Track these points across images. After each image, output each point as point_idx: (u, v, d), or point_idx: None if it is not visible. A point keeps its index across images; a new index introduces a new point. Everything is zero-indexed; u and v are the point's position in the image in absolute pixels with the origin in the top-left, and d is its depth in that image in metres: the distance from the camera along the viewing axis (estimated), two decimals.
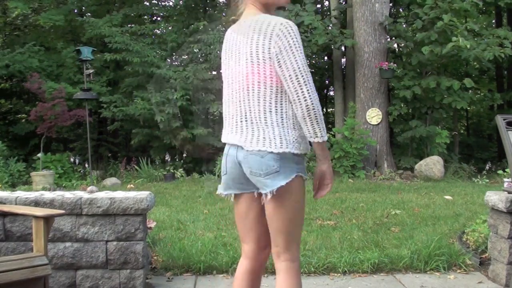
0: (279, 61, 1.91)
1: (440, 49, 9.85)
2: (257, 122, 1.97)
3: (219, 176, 2.03)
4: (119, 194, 3.28)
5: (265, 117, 1.95)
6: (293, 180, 1.95)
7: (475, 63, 12.02)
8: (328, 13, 13.83)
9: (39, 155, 9.87)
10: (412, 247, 3.91)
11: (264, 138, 1.94)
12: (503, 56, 9.74)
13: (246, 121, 2.00)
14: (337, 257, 3.76)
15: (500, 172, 7.61)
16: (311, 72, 2.20)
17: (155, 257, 3.84)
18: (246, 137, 1.98)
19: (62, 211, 2.87)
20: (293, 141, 1.95)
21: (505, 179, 5.22)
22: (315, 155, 2.04)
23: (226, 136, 2.09)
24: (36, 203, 3.16)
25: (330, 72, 14.06)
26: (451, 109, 11.20)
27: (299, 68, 1.89)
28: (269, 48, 1.92)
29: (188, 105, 10.88)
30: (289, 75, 1.90)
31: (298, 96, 1.89)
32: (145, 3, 15.04)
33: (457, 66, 12.19)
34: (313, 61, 15.48)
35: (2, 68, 11.39)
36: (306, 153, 2.01)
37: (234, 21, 2.15)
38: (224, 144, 2.13)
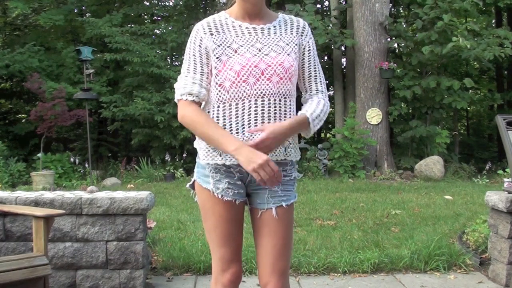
0: None
1: (440, 49, 9.85)
2: None
3: None
4: (119, 194, 3.28)
5: None
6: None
7: (475, 63, 12.03)
8: (328, 13, 13.83)
9: (39, 155, 9.86)
10: (412, 247, 3.91)
11: None
12: (503, 56, 9.74)
13: None
14: (337, 257, 3.76)
15: (500, 172, 7.61)
16: None
17: (155, 257, 3.84)
18: None
19: (62, 211, 2.87)
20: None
21: (505, 179, 5.20)
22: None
23: None
24: (36, 203, 3.16)
25: (330, 72, 14.03)
26: (451, 109, 11.21)
27: None
28: None
29: None
30: None
31: None
32: (145, 3, 15.03)
33: (457, 66, 12.20)
34: None
35: (2, 68, 11.39)
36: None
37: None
38: None
